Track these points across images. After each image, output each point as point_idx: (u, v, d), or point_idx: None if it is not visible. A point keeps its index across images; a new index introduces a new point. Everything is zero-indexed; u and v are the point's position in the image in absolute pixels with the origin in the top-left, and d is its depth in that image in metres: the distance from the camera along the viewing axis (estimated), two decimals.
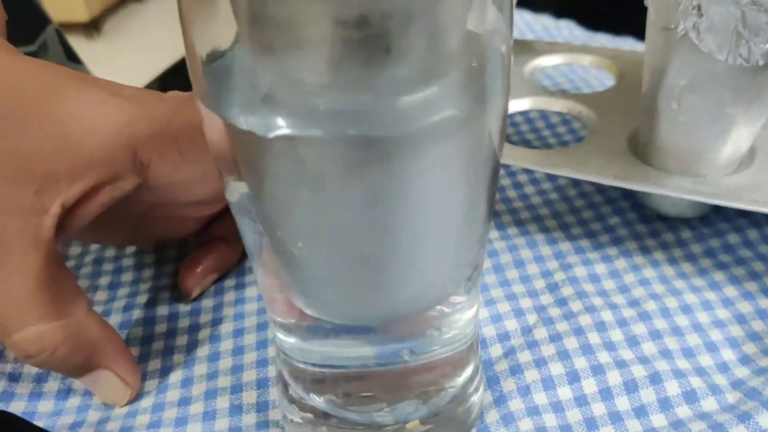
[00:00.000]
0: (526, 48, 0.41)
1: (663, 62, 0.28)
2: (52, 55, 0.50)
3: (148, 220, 0.29)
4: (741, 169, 0.30)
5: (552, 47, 0.41)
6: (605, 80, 0.43)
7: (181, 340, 0.29)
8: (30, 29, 0.48)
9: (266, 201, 0.19)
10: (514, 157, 0.32)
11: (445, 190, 0.18)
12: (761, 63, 0.26)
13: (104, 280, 0.32)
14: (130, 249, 0.33)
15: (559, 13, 0.51)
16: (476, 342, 0.24)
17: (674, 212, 0.32)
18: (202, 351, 0.28)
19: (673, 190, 0.29)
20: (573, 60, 0.40)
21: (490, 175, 0.20)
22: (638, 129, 0.32)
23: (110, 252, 0.33)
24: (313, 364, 0.22)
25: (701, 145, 0.29)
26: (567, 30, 0.50)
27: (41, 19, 0.50)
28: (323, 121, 0.16)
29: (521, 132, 0.40)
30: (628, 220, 0.33)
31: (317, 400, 0.23)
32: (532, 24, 0.51)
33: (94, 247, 0.34)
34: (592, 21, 0.49)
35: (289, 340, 0.22)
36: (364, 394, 0.23)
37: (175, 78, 0.51)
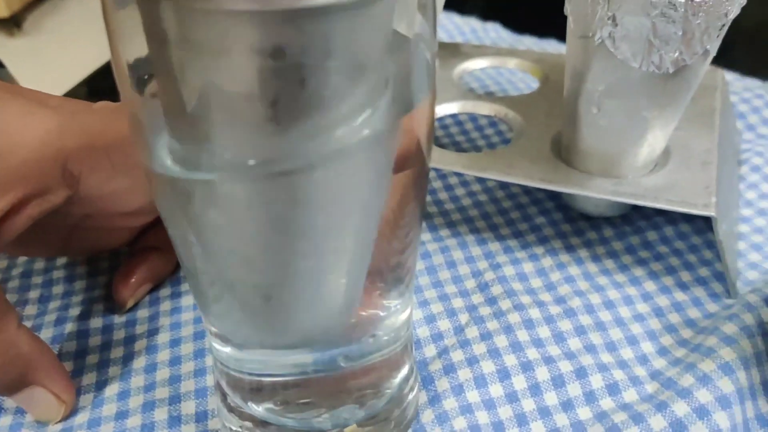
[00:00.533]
0: (454, 51, 0.42)
1: (582, 68, 0.29)
2: None
3: (79, 231, 0.29)
4: (657, 170, 0.32)
5: (479, 50, 0.42)
6: (531, 83, 0.44)
7: (117, 353, 0.28)
8: None
9: (172, 224, 0.19)
10: (445, 161, 0.32)
11: (374, 196, 0.19)
12: (671, 70, 0.27)
13: (34, 294, 0.31)
14: (61, 260, 0.33)
15: (486, 15, 0.52)
16: (410, 343, 0.25)
17: (596, 212, 0.34)
18: (139, 362, 0.28)
19: (596, 192, 0.30)
20: (499, 63, 0.41)
21: (420, 179, 0.20)
22: (561, 132, 0.33)
23: (39, 264, 0.33)
24: (250, 373, 0.23)
25: (620, 148, 0.30)
26: (494, 32, 0.51)
27: None
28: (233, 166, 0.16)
29: (451, 134, 0.41)
30: (553, 220, 0.34)
31: (256, 409, 0.23)
32: (460, 26, 0.52)
33: (21, 259, 0.33)
34: (517, 24, 0.51)
35: (225, 350, 0.22)
36: (303, 400, 0.23)
37: (104, 79, 0.50)
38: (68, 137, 0.24)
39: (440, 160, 0.33)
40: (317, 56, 0.14)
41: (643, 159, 0.31)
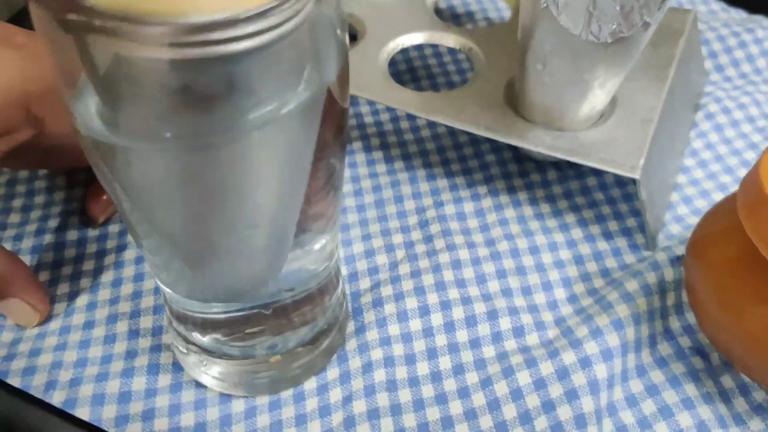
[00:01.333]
0: None
1: (531, 26, 0.30)
2: None
3: (53, 153, 0.32)
4: (601, 123, 0.33)
5: None
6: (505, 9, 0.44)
7: (88, 265, 0.32)
8: None
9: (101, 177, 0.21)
10: (399, 100, 0.34)
11: (295, 164, 0.21)
12: (609, 41, 0.28)
13: (17, 202, 0.34)
14: (42, 171, 0.36)
15: None
16: (336, 275, 0.28)
17: (541, 157, 0.35)
18: (107, 277, 0.32)
19: (534, 144, 0.32)
20: None
21: (335, 128, 0.22)
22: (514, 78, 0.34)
23: (23, 174, 0.36)
24: (193, 311, 0.26)
25: (562, 103, 0.32)
26: None
27: None
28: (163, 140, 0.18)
29: (418, 66, 0.41)
30: (503, 159, 0.36)
31: (200, 339, 0.27)
32: None
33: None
34: None
35: (167, 290, 0.26)
36: (248, 331, 0.27)
37: None
38: (30, 83, 0.26)
39: (395, 98, 0.34)
40: (225, 91, 0.16)
41: (584, 114, 0.32)
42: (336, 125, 0.22)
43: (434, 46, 0.42)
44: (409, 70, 0.41)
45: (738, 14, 0.45)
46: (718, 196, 0.34)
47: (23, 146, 0.28)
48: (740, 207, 0.25)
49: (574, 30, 0.28)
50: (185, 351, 0.28)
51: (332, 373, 0.28)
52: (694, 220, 0.33)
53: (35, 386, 0.27)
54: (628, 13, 0.27)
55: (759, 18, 0.44)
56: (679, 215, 0.34)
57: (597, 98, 0.31)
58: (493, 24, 0.44)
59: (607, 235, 0.33)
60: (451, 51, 0.42)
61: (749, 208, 0.25)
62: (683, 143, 0.37)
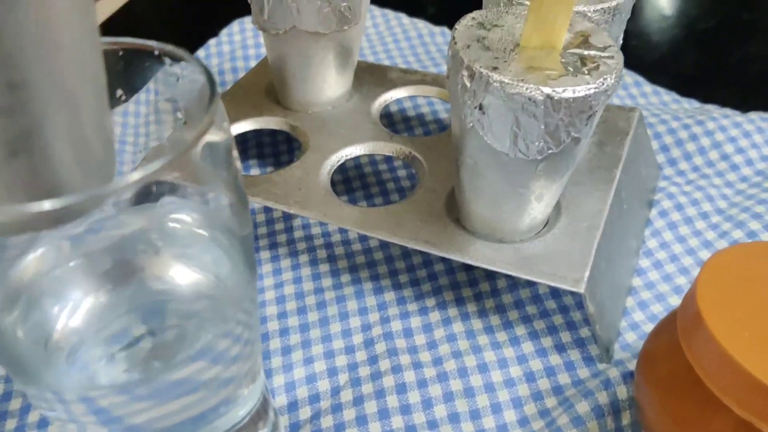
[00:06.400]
0: (382, 78, 0.42)
1: (461, 142, 0.29)
2: None
3: None
4: (545, 232, 0.32)
5: (405, 77, 0.42)
6: None
7: None
8: None
9: None
10: (339, 217, 0.33)
11: None
12: (539, 158, 0.28)
13: None
14: None
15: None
16: (263, 407, 0.26)
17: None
18: None
19: (474, 259, 0.31)
20: (420, 92, 0.41)
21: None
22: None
23: None
24: None
25: (501, 215, 0.31)
26: (441, 36, 0.51)
27: None
28: None
29: (363, 173, 0.41)
30: (451, 268, 0.35)
31: None
32: (408, 30, 0.52)
33: None
34: None
35: None
36: None
37: None
38: None
39: (335, 215, 0.33)
40: None
41: (525, 225, 0.31)
42: (245, 259, 0.21)
43: (373, 163, 0.42)
44: (360, 176, 0.41)
45: (690, 104, 0.45)
46: (674, 300, 0.33)
47: None
48: (679, 326, 0.24)
49: (501, 148, 0.28)
50: None
51: None
52: (650, 327, 0.32)
53: None
54: (553, 131, 0.27)
55: (711, 108, 0.44)
56: (635, 322, 0.33)
57: (535, 210, 0.31)
58: (437, 132, 0.44)
59: (560, 348, 0.32)
60: (390, 167, 0.42)
61: (686, 329, 0.24)
62: (637, 242, 0.36)
